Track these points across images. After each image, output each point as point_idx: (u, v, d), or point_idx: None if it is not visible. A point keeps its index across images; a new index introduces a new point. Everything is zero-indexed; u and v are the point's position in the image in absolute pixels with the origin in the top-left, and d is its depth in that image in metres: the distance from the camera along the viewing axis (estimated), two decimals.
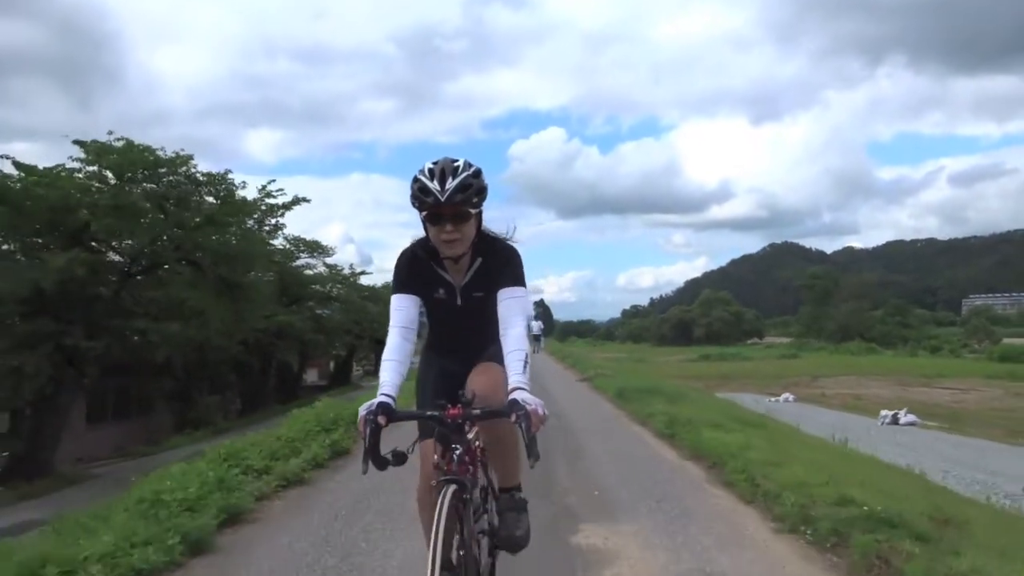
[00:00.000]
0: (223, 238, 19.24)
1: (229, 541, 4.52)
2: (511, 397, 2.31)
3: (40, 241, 17.82)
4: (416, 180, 2.48)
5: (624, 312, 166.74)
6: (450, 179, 2.43)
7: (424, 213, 2.51)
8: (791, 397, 26.38)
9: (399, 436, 2.50)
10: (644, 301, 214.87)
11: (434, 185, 2.43)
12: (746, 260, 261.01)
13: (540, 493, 5.23)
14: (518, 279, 2.61)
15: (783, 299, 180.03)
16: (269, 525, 4.92)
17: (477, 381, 2.69)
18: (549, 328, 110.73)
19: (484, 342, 2.76)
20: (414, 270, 2.66)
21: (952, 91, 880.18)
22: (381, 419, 2.28)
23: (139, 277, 18.73)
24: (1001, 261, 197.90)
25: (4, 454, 18.95)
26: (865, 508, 4.30)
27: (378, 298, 36.25)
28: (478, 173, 2.49)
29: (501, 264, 2.63)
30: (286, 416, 10.27)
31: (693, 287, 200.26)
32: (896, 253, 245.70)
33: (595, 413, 11.62)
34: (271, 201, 22.40)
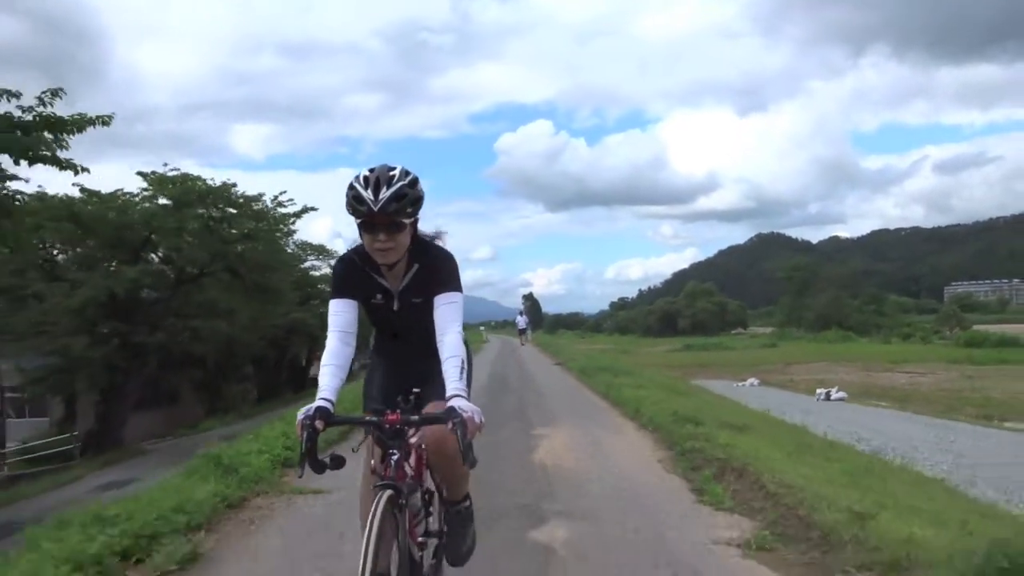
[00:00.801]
0: (256, 249, 23.22)
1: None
2: (448, 404, 2.37)
3: (99, 255, 21.77)
4: (351, 187, 2.51)
5: (612, 304, 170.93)
6: (384, 188, 2.47)
7: (358, 221, 2.54)
8: (756, 382, 29.26)
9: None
10: (633, 293, 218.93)
11: (368, 194, 2.47)
12: (734, 251, 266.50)
13: (518, 418, 9.58)
14: (454, 284, 2.66)
15: (769, 289, 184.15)
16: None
17: (429, 433, 2.65)
18: (539, 322, 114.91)
19: (424, 346, 2.74)
20: (351, 276, 2.72)
21: (936, 80, 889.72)
22: (319, 423, 2.33)
23: (188, 284, 22.71)
24: (983, 249, 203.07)
25: (75, 433, 22.95)
26: (681, 414, 8.40)
27: None
28: (414, 182, 2.54)
29: (437, 270, 2.68)
30: (301, 403, 14.06)
31: (681, 278, 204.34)
32: (881, 242, 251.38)
33: (560, 383, 16.10)
34: (283, 211, 26.33)
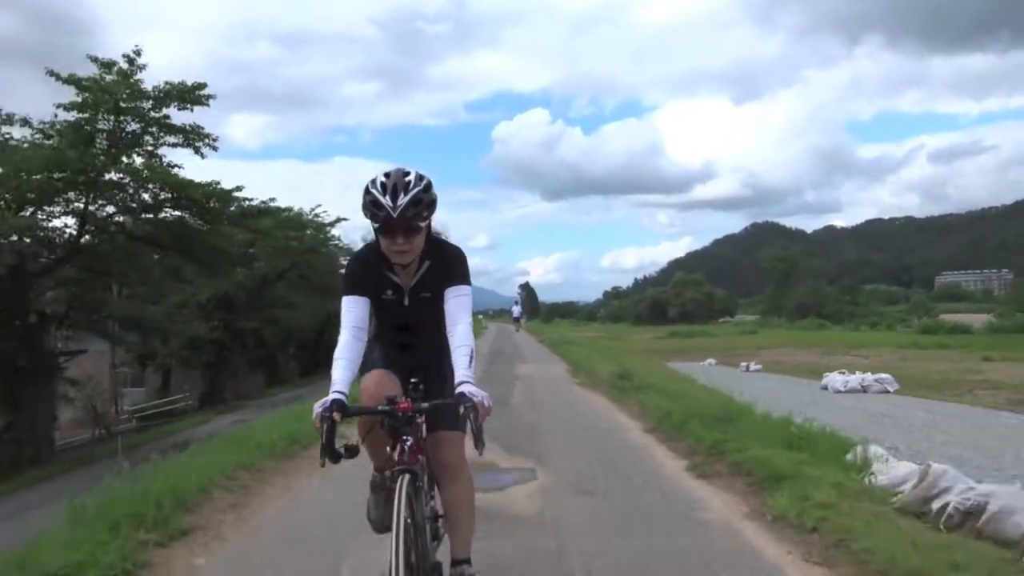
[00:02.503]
0: (318, 256, 32.39)
1: None
2: (459, 390, 2.58)
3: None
4: (368, 193, 2.68)
5: (605, 293, 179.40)
6: (402, 195, 2.64)
7: (376, 225, 2.71)
8: (713, 362, 33.71)
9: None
10: (629, 281, 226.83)
11: (386, 200, 2.63)
12: (728, 240, 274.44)
13: (509, 362, 18.91)
14: (463, 278, 2.88)
15: (762, 279, 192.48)
16: None
17: (434, 441, 2.95)
18: (535, 311, 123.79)
19: (430, 338, 3.02)
20: (364, 273, 2.89)
21: (930, 69, 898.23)
22: (336, 415, 2.51)
23: (271, 284, 31.88)
24: (975, 239, 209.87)
25: (186, 393, 32.21)
26: (614, 371, 17.58)
27: None
28: (428, 187, 2.71)
29: (448, 265, 2.88)
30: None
31: (677, 267, 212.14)
32: (875, 231, 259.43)
33: (537, 350, 26.06)
34: (319, 220, 35.27)
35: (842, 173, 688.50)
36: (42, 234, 18.07)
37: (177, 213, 18.96)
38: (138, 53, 17.19)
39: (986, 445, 9.01)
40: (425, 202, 2.68)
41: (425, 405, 2.70)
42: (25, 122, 17.67)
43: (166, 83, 17.80)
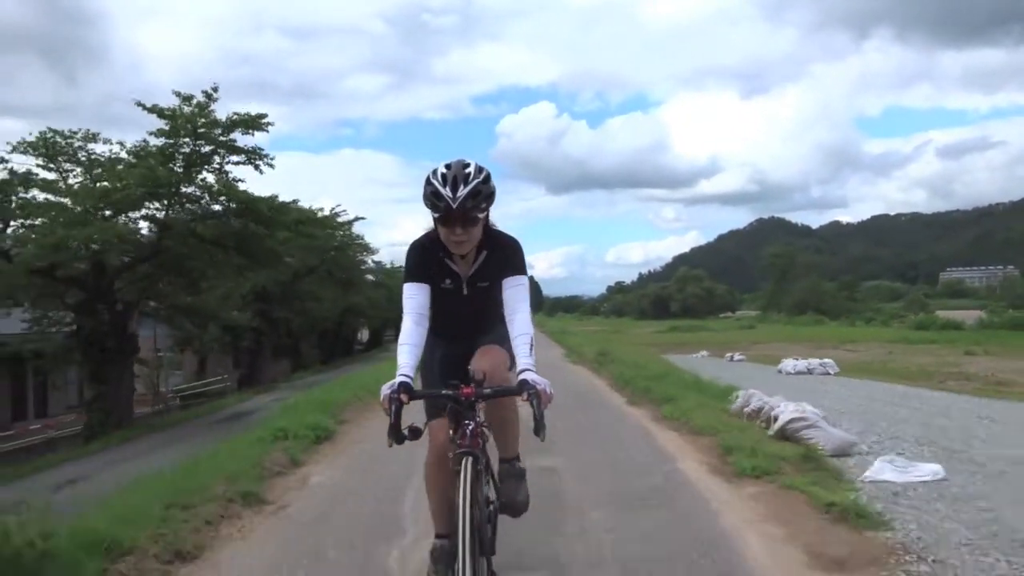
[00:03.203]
0: (344, 254, 36.56)
1: None
2: (521, 377, 2.75)
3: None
4: (429, 183, 2.82)
5: (609, 288, 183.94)
6: (462, 186, 2.77)
7: (436, 215, 2.85)
8: (706, 354, 35.67)
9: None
10: (634, 276, 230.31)
11: (446, 191, 2.77)
12: (734, 235, 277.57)
13: None
14: (520, 269, 3.03)
15: (766, 274, 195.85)
16: None
17: (482, 362, 3.07)
18: (539, 304, 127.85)
19: (485, 327, 3.21)
20: (424, 261, 3.02)
21: (939, 64, 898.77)
22: (403, 397, 2.66)
23: (301, 278, 36.08)
24: (981, 235, 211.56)
25: (225, 376, 36.46)
26: (599, 353, 21.73)
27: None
28: (487, 178, 2.85)
29: (505, 256, 3.04)
30: (360, 362, 27.34)
31: (682, 262, 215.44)
32: (881, 227, 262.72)
33: (537, 337, 29.50)
34: (339, 220, 39.24)
35: (849, 168, 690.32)
36: (132, 237, 22.14)
37: (240, 220, 23.04)
38: (215, 89, 21.31)
39: (852, 404, 12.80)
40: (484, 193, 2.83)
41: (488, 391, 2.83)
42: (121, 144, 21.90)
43: (235, 114, 21.88)
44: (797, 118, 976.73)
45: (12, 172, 21.20)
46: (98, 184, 21.71)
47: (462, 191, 2.76)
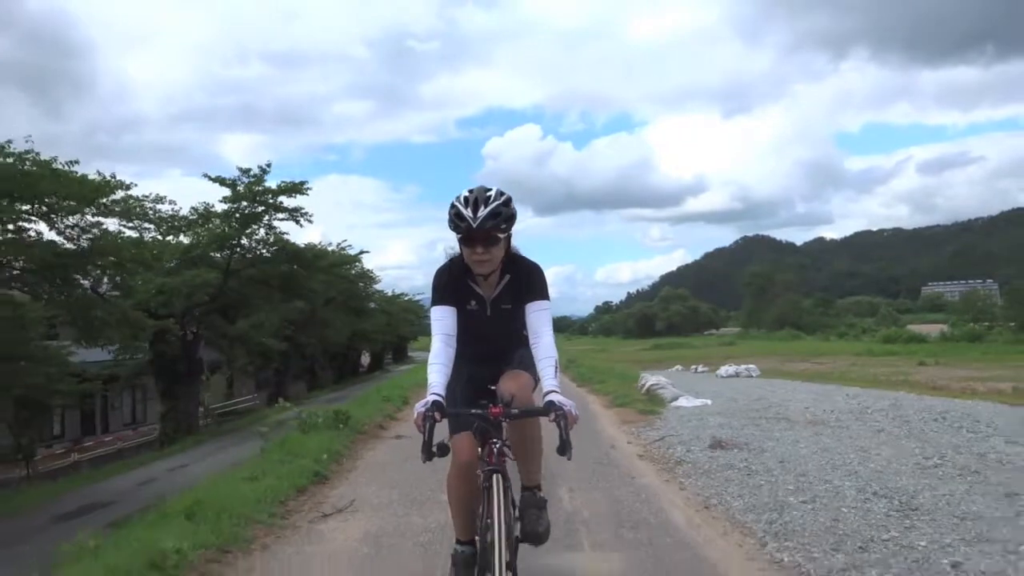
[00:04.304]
0: (355, 286, 42.91)
1: None
2: (547, 399, 2.89)
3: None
4: (453, 206, 3.07)
5: (597, 308, 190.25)
6: (482, 207, 3.02)
7: (459, 236, 3.09)
8: (680, 367, 37.16)
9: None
10: (623, 295, 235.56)
11: (468, 212, 3.02)
12: (720, 253, 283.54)
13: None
14: (543, 293, 3.22)
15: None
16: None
17: (509, 384, 3.25)
18: None
19: (508, 348, 3.40)
20: (451, 284, 3.25)
21: (916, 82, 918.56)
22: (437, 415, 2.86)
23: (320, 308, 42.42)
24: (961, 250, 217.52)
25: (255, 396, 42.69)
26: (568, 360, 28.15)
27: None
28: (508, 202, 3.08)
29: (528, 280, 3.23)
30: (369, 381, 33.79)
31: (669, 281, 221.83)
32: (864, 243, 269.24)
33: None
34: (343, 253, 45.49)
35: (832, 186, 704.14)
36: (210, 282, 28.31)
37: (287, 265, 29.55)
38: (269, 165, 27.76)
39: (720, 389, 18.77)
40: (504, 215, 3.05)
41: (516, 411, 3.03)
42: (194, 209, 28.30)
43: (283, 182, 28.41)
44: (779, 137, 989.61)
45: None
46: (173, 240, 28.13)
47: (482, 212, 3.02)
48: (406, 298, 66.79)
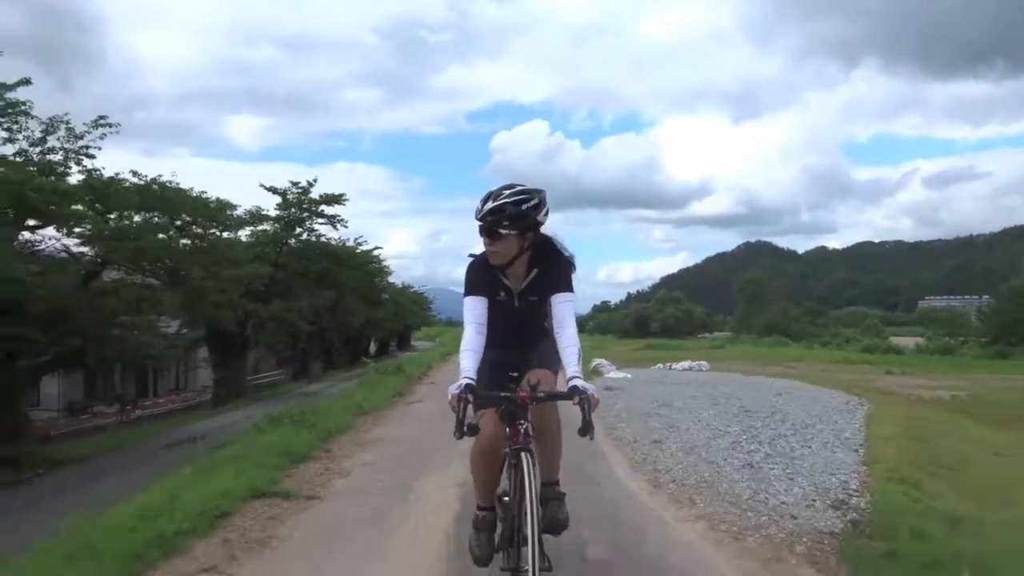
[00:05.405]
0: (372, 278, 49.79)
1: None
2: (571, 384, 3.11)
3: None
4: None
5: (594, 307, 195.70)
6: (490, 202, 3.27)
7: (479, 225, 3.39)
8: (661, 365, 43.54)
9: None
10: (623, 295, 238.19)
11: (479, 205, 3.31)
12: (721, 258, 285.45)
13: None
14: (569, 287, 3.44)
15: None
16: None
17: (535, 374, 3.53)
18: None
19: (533, 337, 3.64)
20: (482, 276, 3.47)
21: (926, 95, 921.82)
22: (469, 397, 3.07)
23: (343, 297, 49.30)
24: (960, 264, 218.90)
25: (281, 372, 49.59)
26: None
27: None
28: (522, 201, 3.29)
29: (555, 274, 3.45)
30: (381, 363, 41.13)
31: (670, 282, 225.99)
32: (864, 253, 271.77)
33: None
34: (369, 253, 52.49)
35: (838, 195, 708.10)
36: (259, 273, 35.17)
37: (324, 263, 36.66)
38: (315, 179, 34.71)
39: (662, 376, 25.79)
40: (509, 213, 3.25)
41: (542, 395, 3.24)
42: (247, 211, 35.17)
43: (324, 194, 35.42)
44: (787, 144, 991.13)
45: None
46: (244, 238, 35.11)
47: (488, 206, 3.26)
48: (412, 290, 74.11)
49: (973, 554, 4.83)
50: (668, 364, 40.63)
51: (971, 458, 10.00)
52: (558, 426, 3.70)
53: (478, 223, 3.37)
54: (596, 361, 21.95)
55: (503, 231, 3.33)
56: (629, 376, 19.72)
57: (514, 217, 3.30)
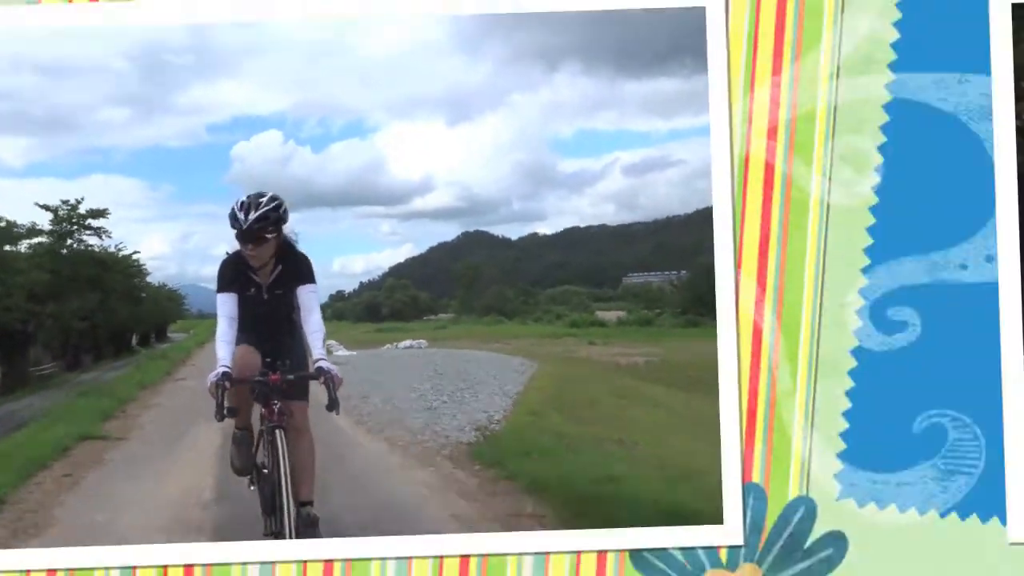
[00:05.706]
0: (133, 281, 47.74)
1: None
2: (317, 365, 3.21)
3: None
4: (232, 209, 3.25)
5: (331, 296, 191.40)
6: (253, 212, 3.19)
7: (235, 234, 3.26)
8: (390, 346, 56.82)
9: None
10: (356, 285, 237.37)
11: (241, 215, 3.21)
12: (442, 247, 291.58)
13: None
14: (310, 278, 3.50)
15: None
16: (198, 356, 37.30)
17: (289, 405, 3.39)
18: None
19: (283, 327, 3.63)
20: (233, 274, 3.42)
21: (623, 92, 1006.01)
22: (226, 383, 3.10)
23: None
24: (659, 244, 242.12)
25: (54, 364, 46.54)
26: None
27: None
28: (278, 207, 3.26)
29: (297, 268, 3.46)
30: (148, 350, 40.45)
31: (398, 271, 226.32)
32: (573, 238, 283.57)
33: None
34: (133, 260, 50.46)
35: (547, 186, 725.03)
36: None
37: None
38: (82, 198, 33.29)
39: (406, 356, 27.92)
40: (272, 219, 3.24)
41: (291, 376, 3.31)
42: (28, 229, 33.33)
43: (90, 209, 33.08)
44: (498, 142, 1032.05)
45: None
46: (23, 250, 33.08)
47: (252, 215, 3.22)
48: (167, 288, 70.82)
49: (547, 445, 8.50)
50: (395, 344, 46.04)
51: (597, 399, 13.01)
52: (311, 445, 3.48)
53: (240, 231, 3.31)
54: (328, 343, 23.56)
55: (268, 236, 3.35)
56: (354, 354, 21.72)
57: (275, 222, 3.37)
